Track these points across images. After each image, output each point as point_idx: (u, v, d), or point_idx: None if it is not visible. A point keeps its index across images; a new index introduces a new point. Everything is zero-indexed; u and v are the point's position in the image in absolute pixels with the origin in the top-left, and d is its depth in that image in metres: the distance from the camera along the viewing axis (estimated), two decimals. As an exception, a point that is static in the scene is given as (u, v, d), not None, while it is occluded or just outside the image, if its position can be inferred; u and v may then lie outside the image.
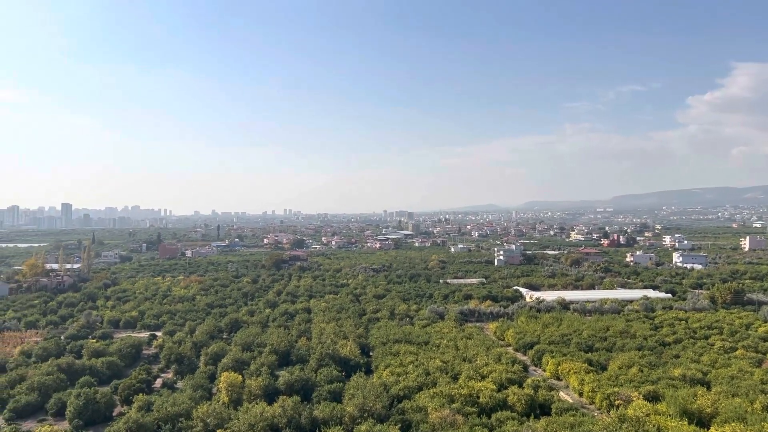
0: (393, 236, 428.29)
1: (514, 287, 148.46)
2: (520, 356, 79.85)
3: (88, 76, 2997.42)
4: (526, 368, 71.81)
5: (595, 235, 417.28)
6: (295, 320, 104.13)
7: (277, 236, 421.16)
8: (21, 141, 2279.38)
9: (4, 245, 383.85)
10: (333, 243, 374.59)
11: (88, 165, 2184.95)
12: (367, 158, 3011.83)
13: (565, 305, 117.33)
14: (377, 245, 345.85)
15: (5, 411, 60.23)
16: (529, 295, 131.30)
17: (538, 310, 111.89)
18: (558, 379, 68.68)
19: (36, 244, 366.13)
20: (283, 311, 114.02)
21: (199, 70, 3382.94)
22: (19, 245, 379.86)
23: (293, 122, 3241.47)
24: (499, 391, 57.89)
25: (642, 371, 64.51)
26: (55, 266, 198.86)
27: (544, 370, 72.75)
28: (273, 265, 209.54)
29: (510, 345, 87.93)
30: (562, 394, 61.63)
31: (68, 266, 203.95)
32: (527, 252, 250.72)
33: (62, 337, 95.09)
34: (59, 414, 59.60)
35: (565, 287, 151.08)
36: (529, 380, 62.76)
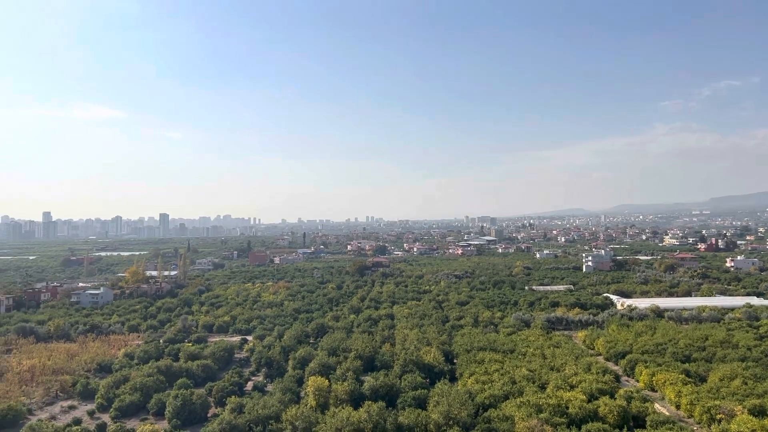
0: (475, 242, 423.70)
1: (604, 294, 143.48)
2: (611, 366, 76.98)
3: (180, 94, 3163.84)
4: (617, 378, 69.12)
5: (690, 240, 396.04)
6: (378, 326, 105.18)
7: (360, 243, 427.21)
8: (122, 155, 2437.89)
9: (108, 253, 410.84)
10: (414, 249, 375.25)
11: (183, 177, 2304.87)
12: (448, 164, 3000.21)
13: (659, 313, 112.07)
14: (459, 251, 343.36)
15: (111, 410, 64.40)
16: (620, 303, 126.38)
17: (630, 318, 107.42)
18: (653, 390, 65.67)
19: (137, 253, 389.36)
20: (366, 317, 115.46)
21: (285, 86, 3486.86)
22: (122, 253, 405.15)
23: (374, 134, 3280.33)
24: (589, 401, 56.13)
25: (746, 384, 60.58)
26: (154, 273, 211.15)
27: (638, 381, 69.81)
28: (356, 272, 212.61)
29: (600, 354, 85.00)
30: (657, 406, 58.87)
31: (166, 273, 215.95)
32: (617, 257, 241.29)
33: (161, 341, 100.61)
34: (159, 413, 63.13)
35: (658, 294, 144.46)
36: (621, 391, 60.48)
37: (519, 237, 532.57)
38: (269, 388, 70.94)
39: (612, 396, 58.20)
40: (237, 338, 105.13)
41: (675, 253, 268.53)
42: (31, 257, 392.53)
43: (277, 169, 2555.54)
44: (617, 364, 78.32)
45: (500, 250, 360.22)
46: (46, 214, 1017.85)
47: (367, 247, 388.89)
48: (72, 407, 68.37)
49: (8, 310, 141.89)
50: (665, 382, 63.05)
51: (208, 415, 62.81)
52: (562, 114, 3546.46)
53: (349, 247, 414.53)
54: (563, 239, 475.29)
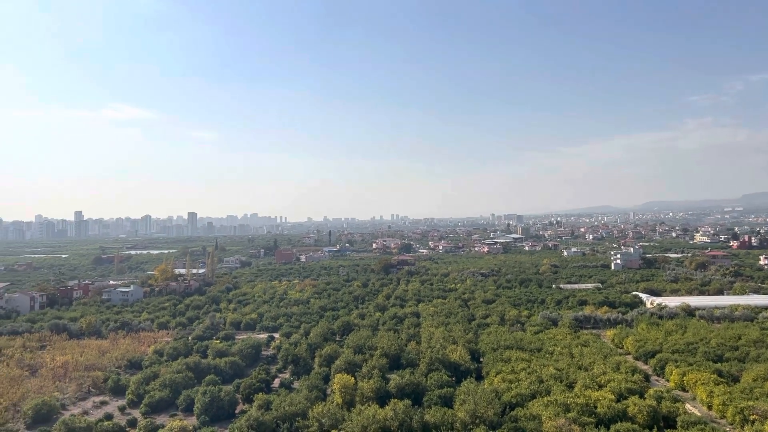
0: (501, 240, 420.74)
1: (633, 292, 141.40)
2: (640, 365, 75.82)
3: (207, 94, 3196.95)
4: (647, 378, 68.09)
5: (722, 237, 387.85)
6: (404, 324, 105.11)
7: (385, 241, 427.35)
8: (151, 155, 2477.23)
9: (138, 252, 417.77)
10: (440, 247, 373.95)
11: (211, 177, 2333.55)
12: (474, 162, 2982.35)
13: (689, 312, 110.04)
14: (485, 249, 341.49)
15: (141, 406, 65.51)
16: (650, 301, 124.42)
17: (660, 317, 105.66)
18: (683, 390, 64.49)
19: (166, 251, 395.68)
20: (392, 315, 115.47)
21: (310, 87, 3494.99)
22: (152, 252, 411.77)
23: (399, 132, 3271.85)
24: (618, 401, 55.38)
25: (781, 384, 59.11)
26: (182, 271, 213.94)
27: (668, 381, 68.65)
28: (382, 270, 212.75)
29: (629, 353, 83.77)
30: (688, 406, 57.82)
31: (194, 271, 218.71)
32: (647, 255, 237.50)
33: (190, 338, 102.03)
34: (188, 410, 63.97)
35: (689, 292, 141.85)
36: (651, 391, 59.53)
37: (546, 235, 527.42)
38: (296, 385, 71.47)
39: (641, 396, 57.34)
40: (264, 335, 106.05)
41: (706, 251, 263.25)
42: (63, 255, 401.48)
43: (303, 168, 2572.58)
44: (647, 364, 77.12)
45: (527, 248, 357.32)
46: (78, 213, 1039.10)
47: (393, 245, 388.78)
48: (104, 403, 69.72)
49: (42, 307, 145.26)
50: (696, 382, 61.89)
51: (236, 411, 63.45)
52: (588, 110, 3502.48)
53: (374, 245, 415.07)
54: (591, 237, 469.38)
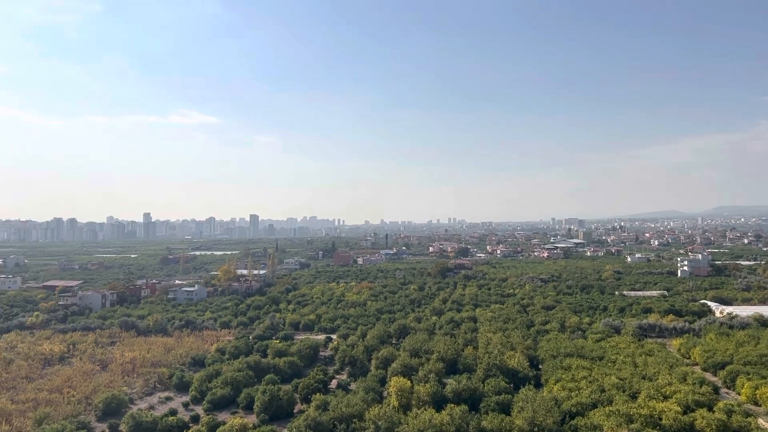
0: (562, 245, 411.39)
1: (701, 301, 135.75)
2: (709, 377, 72.78)
3: (269, 100, 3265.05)
4: (716, 390, 65.32)
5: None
6: (461, 329, 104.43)
7: (441, 245, 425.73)
8: (215, 159, 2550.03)
9: (202, 252, 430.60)
10: (498, 252, 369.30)
11: (272, 180, 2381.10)
12: (533, 164, 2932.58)
13: (763, 322, 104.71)
14: (545, 254, 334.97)
15: (204, 402, 67.60)
16: (719, 310, 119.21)
17: (731, 327, 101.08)
18: (756, 404, 61.51)
19: (228, 252, 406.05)
20: (449, 319, 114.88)
21: (365, 92, 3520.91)
22: (215, 253, 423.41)
23: (456, 135, 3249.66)
24: (684, 413, 53.38)
25: None
26: (244, 272, 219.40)
27: (739, 394, 65.63)
28: (438, 273, 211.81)
29: (697, 364, 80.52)
30: (761, 421, 55.09)
31: (255, 272, 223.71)
32: (716, 262, 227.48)
33: (250, 337, 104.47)
34: (248, 407, 65.58)
35: (762, 302, 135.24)
36: (720, 404, 57.07)
37: (609, 240, 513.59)
38: (352, 386, 72.09)
39: (710, 409, 55.07)
40: (322, 336, 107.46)
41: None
42: (132, 255, 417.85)
43: (361, 171, 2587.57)
44: (716, 375, 73.98)
45: (588, 254, 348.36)
46: (146, 215, 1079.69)
47: (449, 249, 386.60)
48: (168, 398, 72.29)
49: (112, 304, 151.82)
50: (771, 396, 58.94)
51: (294, 410, 64.62)
52: (654, 111, 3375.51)
53: (431, 248, 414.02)
54: (656, 242, 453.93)
